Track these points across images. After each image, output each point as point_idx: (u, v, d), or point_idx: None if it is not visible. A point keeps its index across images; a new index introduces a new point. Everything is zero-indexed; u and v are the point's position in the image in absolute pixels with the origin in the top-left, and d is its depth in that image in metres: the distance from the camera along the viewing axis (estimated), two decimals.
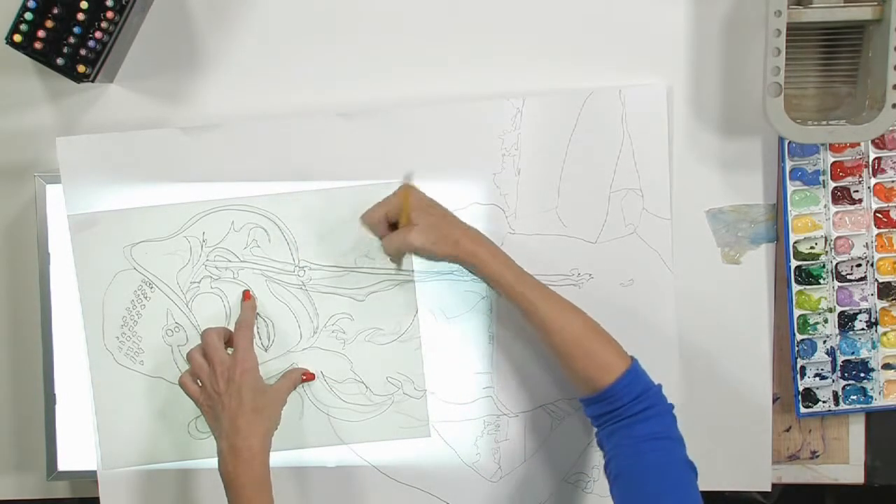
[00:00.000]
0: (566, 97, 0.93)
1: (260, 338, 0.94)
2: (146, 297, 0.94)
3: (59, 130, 0.96)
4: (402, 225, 0.87)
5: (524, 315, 0.85)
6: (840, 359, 0.95)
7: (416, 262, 0.93)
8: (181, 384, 0.89)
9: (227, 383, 0.85)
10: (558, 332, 0.83)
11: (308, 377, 0.93)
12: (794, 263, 0.94)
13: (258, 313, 0.94)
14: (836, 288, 0.95)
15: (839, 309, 0.95)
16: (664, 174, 0.93)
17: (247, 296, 0.93)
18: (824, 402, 0.96)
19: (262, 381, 0.88)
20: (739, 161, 0.95)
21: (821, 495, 1.11)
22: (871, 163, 0.94)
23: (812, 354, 0.95)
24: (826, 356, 0.95)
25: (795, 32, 0.88)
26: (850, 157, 0.94)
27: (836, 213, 0.94)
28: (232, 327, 0.93)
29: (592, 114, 0.93)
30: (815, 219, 0.94)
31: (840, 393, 0.96)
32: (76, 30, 0.87)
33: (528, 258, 0.93)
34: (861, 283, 0.95)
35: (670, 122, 0.94)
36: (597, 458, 0.95)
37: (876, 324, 0.95)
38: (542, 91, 0.94)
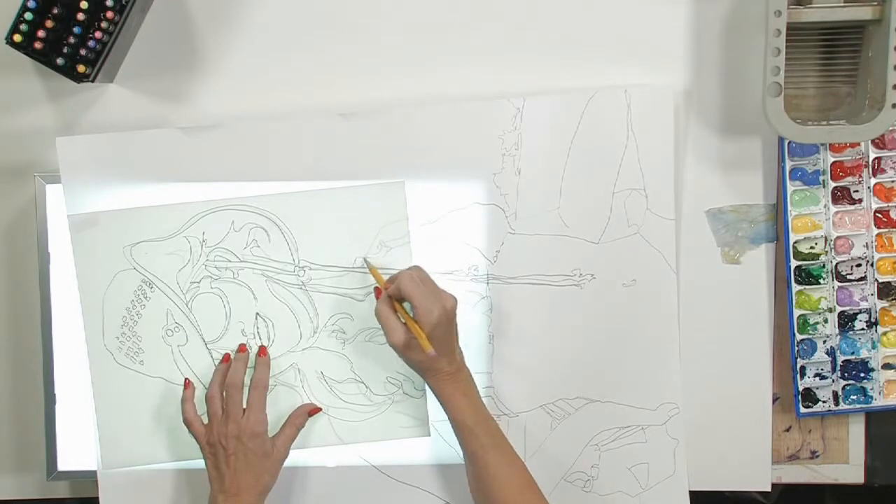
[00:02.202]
0: (569, 97, 0.93)
1: (260, 337, 0.94)
2: (146, 297, 0.94)
3: (59, 130, 0.96)
4: (411, 322, 0.85)
5: (468, 454, 0.86)
6: (840, 359, 0.95)
7: (416, 263, 0.93)
8: (186, 422, 0.91)
9: (237, 443, 0.88)
10: (495, 483, 0.84)
11: (314, 411, 0.94)
12: (794, 263, 0.94)
13: (257, 313, 0.94)
14: (836, 288, 0.95)
15: (839, 309, 0.95)
16: (669, 174, 0.93)
17: (262, 351, 0.93)
18: (824, 402, 0.96)
19: (268, 443, 0.89)
20: (739, 161, 0.95)
21: (821, 495, 1.11)
22: (871, 163, 0.94)
23: (812, 354, 0.95)
24: (826, 356, 0.95)
25: (795, 32, 0.88)
26: (850, 157, 0.94)
27: (836, 213, 0.94)
28: (231, 327, 0.93)
29: (596, 113, 0.93)
30: (815, 219, 0.94)
31: (840, 393, 0.96)
32: (76, 30, 0.87)
33: (528, 258, 0.94)
34: (861, 283, 0.95)
35: (675, 121, 0.94)
36: (596, 457, 0.95)
37: (876, 324, 0.95)
38: (542, 90, 0.94)
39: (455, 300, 0.86)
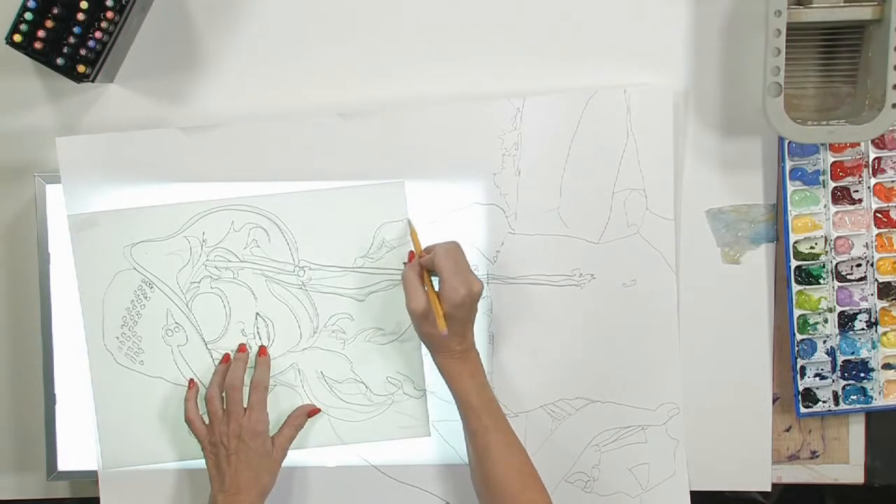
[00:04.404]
0: (568, 97, 0.93)
1: (260, 337, 0.94)
2: (146, 297, 0.94)
3: (59, 130, 0.96)
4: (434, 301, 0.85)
5: (470, 435, 0.86)
6: (840, 359, 0.95)
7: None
8: (187, 421, 0.91)
9: (238, 442, 0.88)
10: (496, 467, 0.84)
11: (313, 412, 0.94)
12: (794, 263, 0.94)
13: (257, 313, 0.94)
14: (836, 288, 0.95)
15: (839, 309, 0.95)
16: (668, 174, 0.93)
17: (262, 351, 0.93)
18: (824, 402, 0.96)
19: (269, 442, 0.89)
20: (739, 161, 0.95)
21: (821, 495, 1.11)
22: (871, 163, 0.94)
23: (812, 354, 0.95)
24: (826, 356, 0.95)
25: (795, 32, 0.88)
26: (850, 157, 0.94)
27: (836, 213, 0.94)
28: (231, 327, 0.93)
29: (596, 113, 0.93)
30: (815, 219, 0.94)
31: (840, 393, 0.96)
32: (76, 30, 0.87)
33: (528, 258, 0.94)
34: (861, 283, 0.95)
35: (674, 121, 0.94)
36: (597, 457, 0.95)
37: (876, 324, 0.95)
38: (542, 90, 0.94)
39: (482, 285, 0.86)
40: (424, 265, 0.87)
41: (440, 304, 0.84)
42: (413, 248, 0.91)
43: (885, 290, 0.95)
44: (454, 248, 0.86)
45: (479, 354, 0.88)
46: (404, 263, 0.91)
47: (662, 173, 0.93)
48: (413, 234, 0.91)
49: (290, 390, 0.94)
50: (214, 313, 0.94)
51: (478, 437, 0.85)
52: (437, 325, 0.83)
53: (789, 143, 0.93)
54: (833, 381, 0.96)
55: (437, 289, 0.86)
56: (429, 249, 0.88)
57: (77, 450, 0.96)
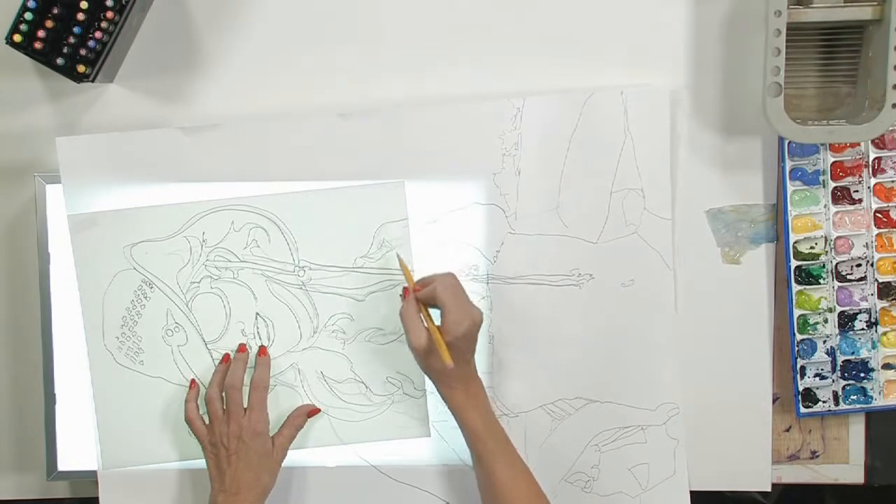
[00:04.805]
0: (567, 97, 0.93)
1: (260, 337, 0.94)
2: (146, 297, 0.94)
3: (59, 130, 0.96)
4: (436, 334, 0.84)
5: (477, 461, 0.86)
6: (840, 359, 0.95)
7: (415, 263, 0.93)
8: (188, 421, 0.91)
9: (238, 442, 0.88)
10: (503, 490, 0.83)
11: (313, 412, 0.94)
12: (794, 263, 0.94)
13: (257, 313, 0.94)
14: (836, 288, 0.95)
15: (839, 309, 0.95)
16: (665, 174, 0.93)
17: (262, 351, 0.93)
18: (824, 402, 0.96)
19: (269, 442, 0.89)
20: (739, 161, 0.95)
21: (821, 495, 1.11)
22: (871, 163, 0.94)
23: (812, 354, 0.95)
24: (826, 356, 0.95)
25: (795, 32, 0.88)
26: (850, 157, 0.94)
27: (836, 213, 0.94)
28: (231, 327, 0.93)
29: (594, 113, 0.93)
30: (815, 219, 0.94)
31: (840, 393, 0.96)
32: (76, 30, 0.87)
33: (528, 258, 0.94)
34: (861, 283, 0.95)
35: (672, 121, 0.94)
36: (596, 458, 0.95)
37: (876, 324, 0.95)
38: (542, 91, 0.94)
39: (482, 314, 0.85)
40: (421, 300, 0.86)
41: (443, 337, 0.83)
42: (406, 284, 0.89)
43: (885, 290, 0.95)
44: (452, 280, 0.86)
45: (481, 382, 0.88)
46: (401, 296, 0.90)
47: (659, 173, 0.93)
48: (404, 268, 0.90)
49: (290, 390, 0.94)
50: (214, 313, 0.94)
51: (483, 462, 0.85)
52: (443, 358, 0.82)
53: (789, 143, 0.93)
54: (833, 381, 0.96)
55: (436, 322, 0.85)
56: (423, 283, 0.87)
57: (77, 450, 0.96)
